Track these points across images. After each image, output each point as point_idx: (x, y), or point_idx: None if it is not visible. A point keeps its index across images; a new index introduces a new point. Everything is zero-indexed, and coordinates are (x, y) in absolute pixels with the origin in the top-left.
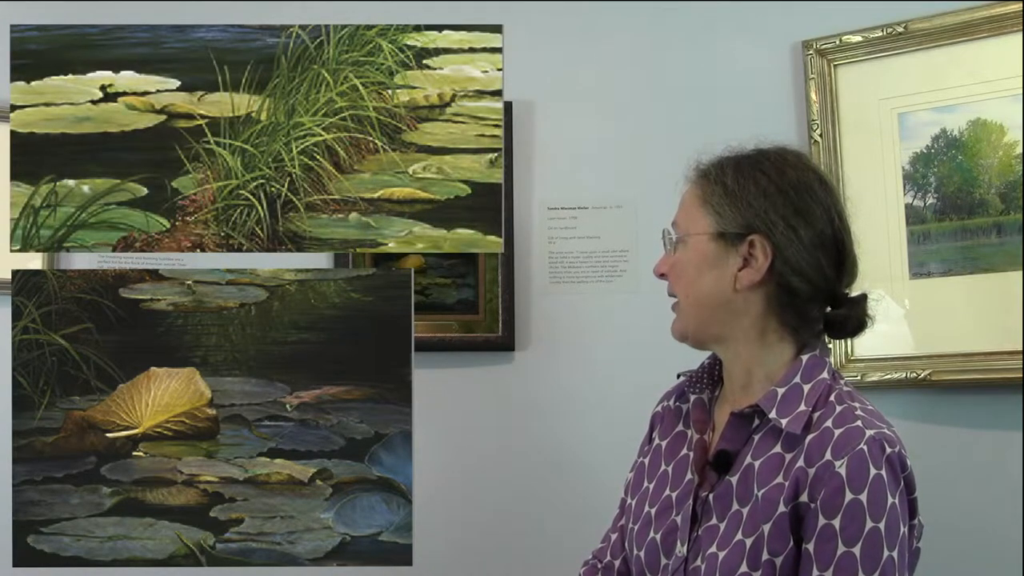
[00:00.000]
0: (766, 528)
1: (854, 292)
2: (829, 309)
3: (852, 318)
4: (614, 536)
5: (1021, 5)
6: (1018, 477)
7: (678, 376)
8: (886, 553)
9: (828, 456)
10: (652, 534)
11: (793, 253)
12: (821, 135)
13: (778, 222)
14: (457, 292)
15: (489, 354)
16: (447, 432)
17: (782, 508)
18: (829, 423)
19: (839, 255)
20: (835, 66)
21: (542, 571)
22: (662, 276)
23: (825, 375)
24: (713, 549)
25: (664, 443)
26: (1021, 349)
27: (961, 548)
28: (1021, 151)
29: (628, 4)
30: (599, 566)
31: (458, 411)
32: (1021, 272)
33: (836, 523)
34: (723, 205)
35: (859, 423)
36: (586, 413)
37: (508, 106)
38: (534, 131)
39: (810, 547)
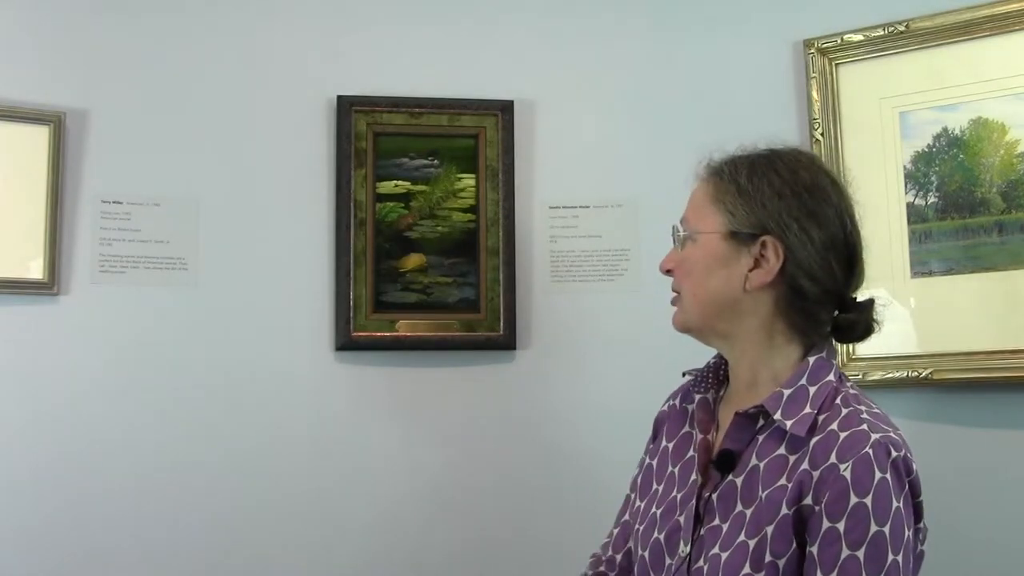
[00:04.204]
0: (769, 530)
1: (861, 296)
2: (838, 313)
3: (861, 322)
4: (616, 531)
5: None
6: (1020, 476)
7: (683, 375)
8: (891, 557)
9: (833, 459)
10: (656, 534)
11: (805, 255)
12: (822, 134)
13: (791, 224)
14: (458, 291)
15: (490, 353)
16: (448, 431)
17: (785, 510)
18: (834, 426)
19: (850, 258)
20: (836, 65)
21: (542, 569)
22: (668, 272)
23: (831, 377)
24: (716, 550)
25: (671, 445)
26: None
27: (963, 547)
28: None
29: (629, 3)
30: (603, 558)
31: (459, 410)
32: None
33: (840, 526)
34: (736, 204)
35: (864, 427)
36: (587, 412)
37: (509, 105)
38: (535, 130)
39: (814, 550)
